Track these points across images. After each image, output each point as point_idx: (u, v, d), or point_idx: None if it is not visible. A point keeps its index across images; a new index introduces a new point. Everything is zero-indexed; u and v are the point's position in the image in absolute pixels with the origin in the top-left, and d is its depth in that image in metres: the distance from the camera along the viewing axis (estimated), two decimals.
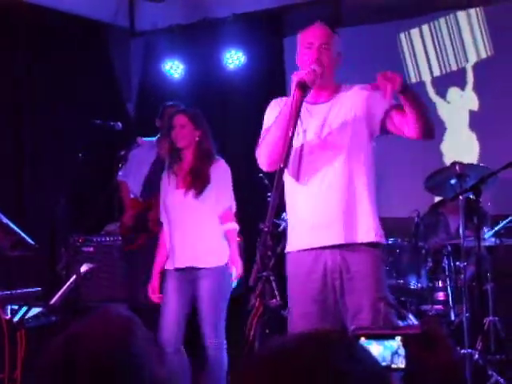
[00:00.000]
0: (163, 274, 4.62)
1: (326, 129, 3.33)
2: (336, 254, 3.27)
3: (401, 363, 1.60)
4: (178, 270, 4.51)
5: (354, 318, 3.23)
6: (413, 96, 3.15)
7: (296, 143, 3.26)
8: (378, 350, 1.65)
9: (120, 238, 5.75)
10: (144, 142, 5.42)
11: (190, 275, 4.49)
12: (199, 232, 4.50)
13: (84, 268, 4.62)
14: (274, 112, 3.35)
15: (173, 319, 4.50)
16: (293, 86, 3.14)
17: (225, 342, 4.51)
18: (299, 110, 3.11)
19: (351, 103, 3.35)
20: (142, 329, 1.49)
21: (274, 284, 5.21)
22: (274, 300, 5.32)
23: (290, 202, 3.40)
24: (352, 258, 3.27)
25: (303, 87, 3.12)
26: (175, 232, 4.56)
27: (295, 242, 3.39)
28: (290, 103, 3.12)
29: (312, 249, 3.31)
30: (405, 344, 1.59)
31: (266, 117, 3.46)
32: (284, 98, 3.43)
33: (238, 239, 4.75)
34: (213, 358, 4.48)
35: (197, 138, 4.58)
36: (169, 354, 4.42)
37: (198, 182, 4.51)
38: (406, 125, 3.23)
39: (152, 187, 5.33)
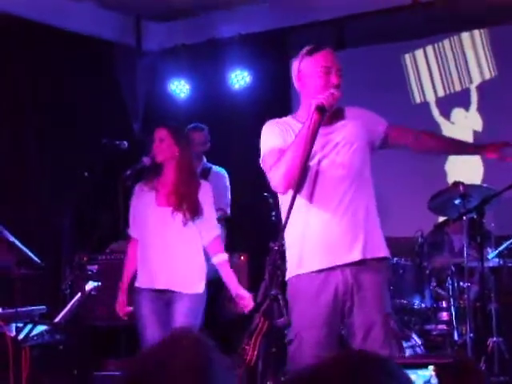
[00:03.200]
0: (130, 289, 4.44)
1: (334, 150, 3.35)
2: (347, 273, 3.26)
3: None
4: (154, 290, 4.33)
5: (367, 336, 3.23)
6: None
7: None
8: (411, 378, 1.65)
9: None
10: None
11: (166, 297, 4.32)
12: (181, 255, 4.29)
13: (89, 286, 4.64)
14: (275, 134, 3.37)
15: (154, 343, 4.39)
16: (312, 109, 3.20)
17: None
18: (317, 133, 3.18)
19: (355, 124, 3.42)
20: (220, 355, 1.46)
21: (281, 303, 5.19)
22: (282, 319, 5.28)
23: (298, 223, 3.30)
24: (363, 276, 3.27)
25: (322, 111, 3.19)
26: (154, 251, 4.33)
27: (306, 264, 3.32)
28: (308, 126, 3.18)
29: (321, 270, 3.28)
30: (437, 374, 1.59)
31: (265, 138, 3.42)
32: (279, 119, 3.46)
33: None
34: None
35: (176, 154, 4.35)
36: None
37: (189, 206, 4.28)
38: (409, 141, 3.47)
39: None
